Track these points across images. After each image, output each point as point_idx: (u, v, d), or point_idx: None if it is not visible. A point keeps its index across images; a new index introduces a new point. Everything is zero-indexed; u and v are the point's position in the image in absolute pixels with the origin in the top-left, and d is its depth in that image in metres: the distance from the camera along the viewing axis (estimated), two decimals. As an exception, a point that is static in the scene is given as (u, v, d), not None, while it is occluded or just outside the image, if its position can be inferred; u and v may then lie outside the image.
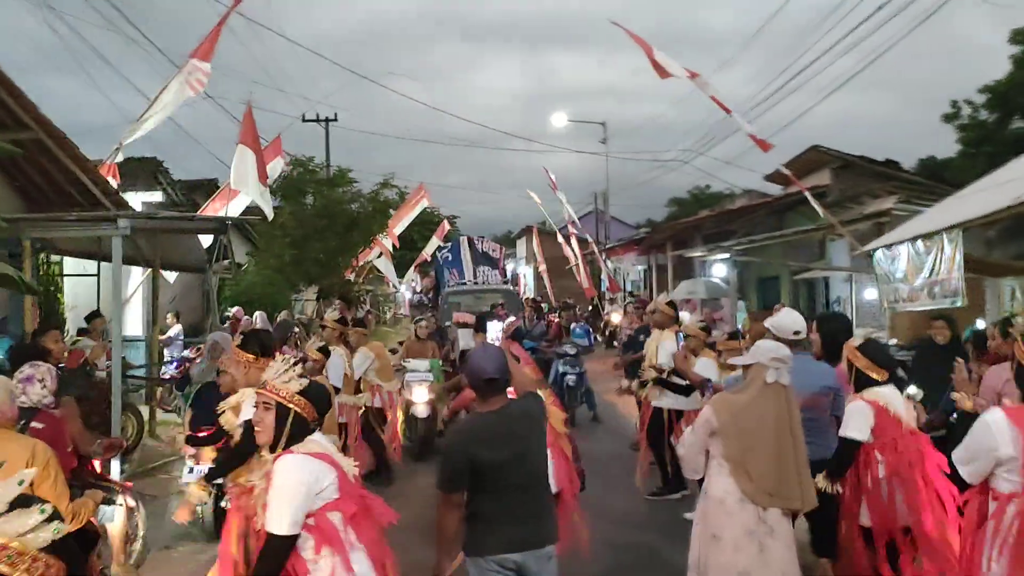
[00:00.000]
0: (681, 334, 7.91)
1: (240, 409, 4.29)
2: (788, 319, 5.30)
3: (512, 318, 8.60)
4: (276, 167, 13.29)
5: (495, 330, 5.96)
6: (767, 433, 4.00)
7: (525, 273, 47.82)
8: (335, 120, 31.23)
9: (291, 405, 3.07)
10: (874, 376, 4.39)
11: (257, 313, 13.93)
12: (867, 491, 4.31)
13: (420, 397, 9.66)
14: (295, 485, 2.90)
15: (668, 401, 7.73)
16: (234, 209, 12.30)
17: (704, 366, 7.18)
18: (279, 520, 2.87)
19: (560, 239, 26.37)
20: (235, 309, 14.22)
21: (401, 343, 11.82)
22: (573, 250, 23.64)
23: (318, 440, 3.10)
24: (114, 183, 11.64)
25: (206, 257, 10.76)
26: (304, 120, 30.67)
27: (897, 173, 17.02)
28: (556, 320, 12.29)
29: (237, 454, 4.09)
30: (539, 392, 3.93)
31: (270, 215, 11.08)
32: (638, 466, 8.12)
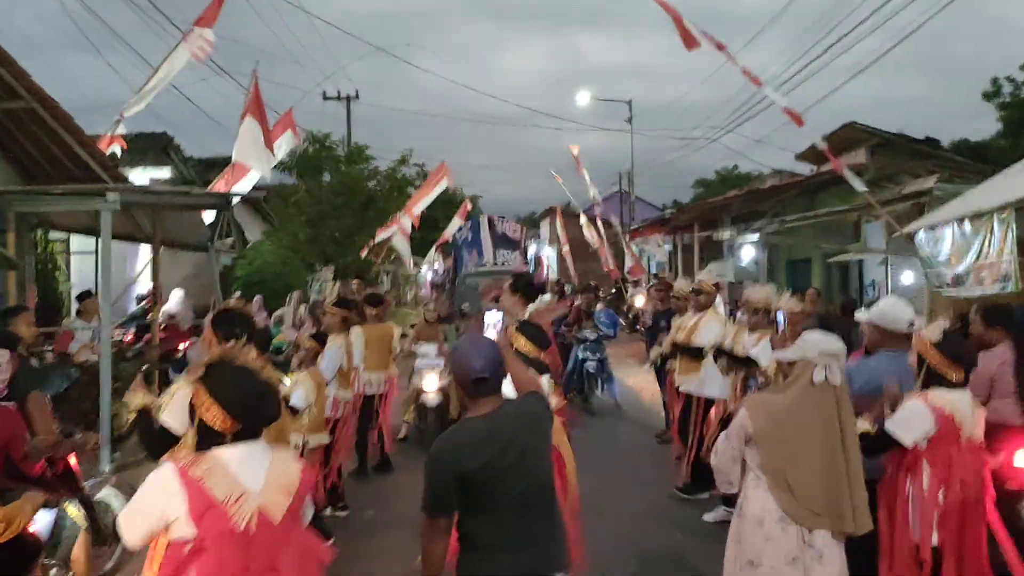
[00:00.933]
0: (740, 313, 7.37)
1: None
2: (897, 308, 4.51)
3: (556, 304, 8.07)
4: (287, 142, 12.76)
5: (493, 320, 5.37)
6: (813, 442, 3.40)
7: (548, 255, 47.24)
8: (356, 98, 30.59)
9: (199, 408, 2.55)
10: (949, 375, 3.79)
11: (256, 297, 13.43)
12: (914, 503, 3.73)
13: (430, 384, 9.14)
14: (142, 500, 2.46)
15: (693, 385, 7.18)
16: (243, 186, 11.83)
17: (764, 348, 6.19)
18: (125, 530, 2.50)
19: (583, 219, 25.73)
20: (235, 295, 13.74)
21: (413, 326, 11.29)
22: (598, 230, 22.94)
23: (225, 459, 2.49)
24: (119, 150, 11.21)
25: (209, 235, 10.24)
26: (325, 98, 30.07)
27: (937, 152, 16.19)
28: (576, 303, 11.60)
29: (145, 444, 3.62)
30: (542, 392, 3.33)
31: (266, 173, 10.56)
32: (675, 462, 7.70)
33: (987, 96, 21.64)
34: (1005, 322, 5.38)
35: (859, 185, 11.77)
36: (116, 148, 11.20)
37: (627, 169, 35.31)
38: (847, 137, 17.03)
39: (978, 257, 9.17)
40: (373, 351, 7.77)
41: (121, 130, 10.99)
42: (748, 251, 16.77)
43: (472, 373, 2.92)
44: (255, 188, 11.86)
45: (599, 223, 23.38)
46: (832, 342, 3.52)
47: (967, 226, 9.28)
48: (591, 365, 11.11)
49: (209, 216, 10.71)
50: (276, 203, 19.55)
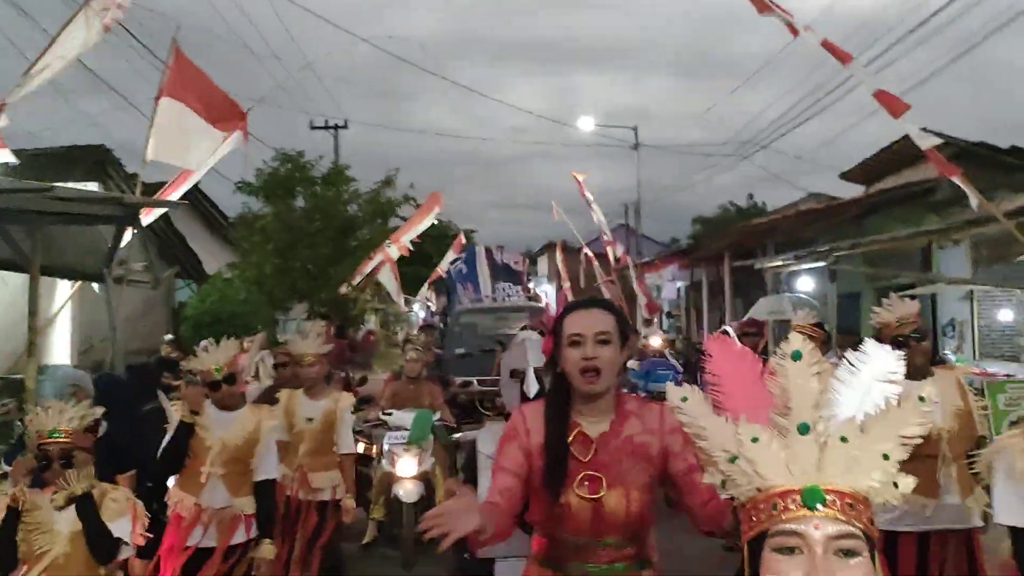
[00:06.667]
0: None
1: None
2: None
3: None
4: (231, 143, 10.11)
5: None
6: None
7: (547, 291, 44.92)
8: (345, 127, 28.14)
9: None
10: None
11: (203, 343, 10.71)
12: None
13: (406, 469, 6.37)
14: None
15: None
16: (174, 195, 9.20)
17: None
18: None
19: (587, 252, 23.27)
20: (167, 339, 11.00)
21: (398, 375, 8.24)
22: (615, 258, 20.30)
23: None
24: (7, 157, 8.57)
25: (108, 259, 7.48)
26: (312, 127, 27.65)
27: (1028, 163, 13.60)
28: None
29: None
30: None
31: (191, 166, 7.83)
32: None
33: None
34: None
35: (973, 198, 9.12)
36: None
37: (632, 201, 32.88)
38: (909, 149, 14.47)
39: None
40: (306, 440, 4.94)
41: (2, 123, 8.32)
42: (806, 283, 14.07)
43: None
44: (221, 214, 9.36)
45: (609, 253, 20.80)
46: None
47: None
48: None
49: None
50: (242, 230, 16.92)
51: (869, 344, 1.42)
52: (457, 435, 7.03)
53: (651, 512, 2.38)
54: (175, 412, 4.11)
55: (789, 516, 1.26)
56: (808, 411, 1.34)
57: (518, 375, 4.61)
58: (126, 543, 3.08)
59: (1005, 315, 11.51)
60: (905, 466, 3.80)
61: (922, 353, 3.66)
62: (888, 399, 1.36)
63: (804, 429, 1.30)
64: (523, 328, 5.53)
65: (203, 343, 11.56)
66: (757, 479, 1.30)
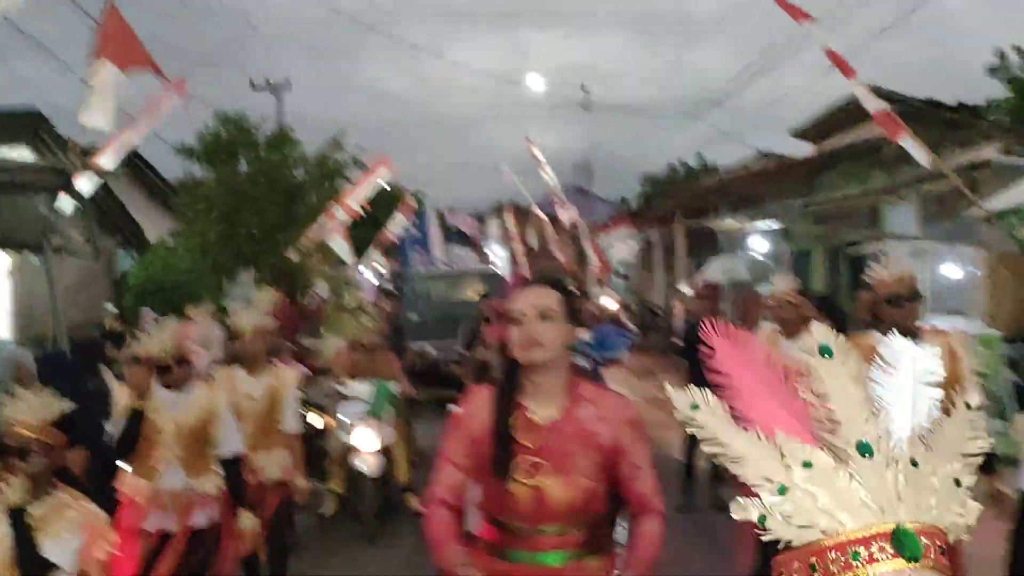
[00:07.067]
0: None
1: None
2: None
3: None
4: (170, 105, 9.70)
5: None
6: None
7: (498, 254, 44.72)
8: (288, 87, 27.30)
9: None
10: None
11: (145, 309, 10.38)
12: None
13: (365, 442, 6.23)
14: None
15: None
16: (107, 161, 8.78)
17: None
18: None
19: (539, 214, 23.17)
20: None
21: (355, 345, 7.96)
22: (558, 224, 20.26)
23: None
24: None
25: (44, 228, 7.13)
26: (252, 86, 26.82)
27: (976, 120, 13.77)
28: None
29: None
30: None
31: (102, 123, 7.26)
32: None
33: (992, 71, 19.49)
34: None
35: (922, 156, 9.17)
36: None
37: (583, 161, 32.78)
38: (858, 106, 14.57)
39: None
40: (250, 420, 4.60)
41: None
42: (758, 243, 14.13)
43: None
44: (162, 180, 8.96)
45: (561, 215, 20.74)
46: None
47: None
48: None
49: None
50: (184, 197, 16.38)
51: (895, 339, 1.13)
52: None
53: (604, 501, 2.31)
54: (120, 392, 3.90)
55: (879, 570, 0.95)
56: (861, 425, 1.03)
57: None
58: (59, 568, 2.72)
59: (951, 270, 11.70)
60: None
61: (913, 315, 3.54)
62: (936, 408, 1.07)
63: (866, 449, 1.00)
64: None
65: (146, 312, 11.25)
66: (823, 519, 0.98)
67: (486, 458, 2.27)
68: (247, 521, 3.95)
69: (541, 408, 2.29)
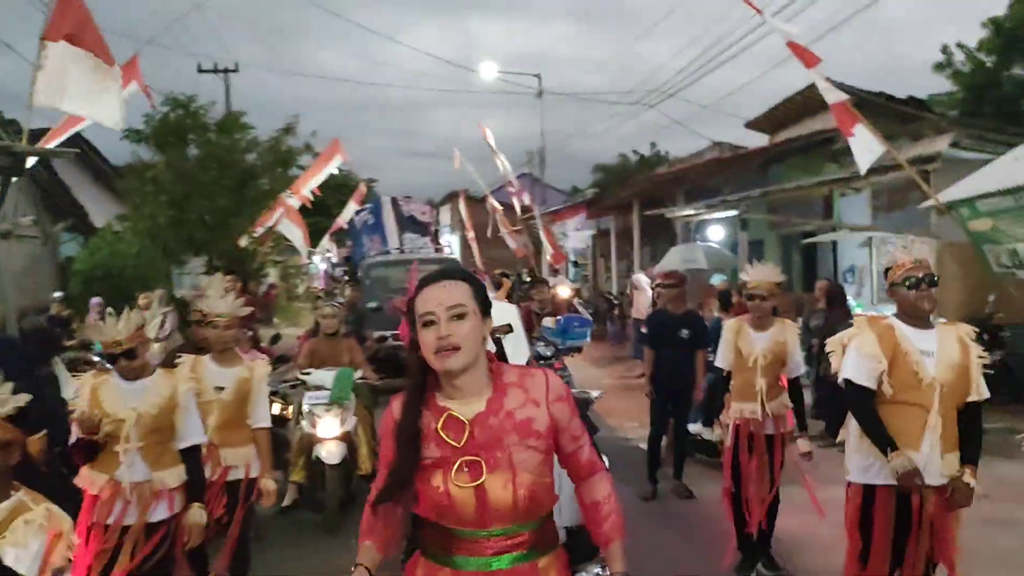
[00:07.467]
0: None
1: None
2: None
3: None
4: (128, 92, 9.44)
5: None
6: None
7: (450, 242, 44.48)
8: (235, 71, 26.78)
9: None
10: None
11: (94, 300, 10.10)
12: None
13: (328, 430, 6.13)
14: None
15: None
16: (56, 143, 8.51)
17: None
18: None
19: (492, 202, 23.03)
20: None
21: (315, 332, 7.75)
22: (512, 211, 20.19)
23: None
24: None
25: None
26: (200, 70, 26.26)
27: (923, 114, 14.04)
28: (527, 306, 8.26)
29: None
30: None
31: (117, 123, 7.08)
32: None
33: (938, 67, 19.89)
34: None
35: (880, 145, 9.30)
36: None
37: (538, 148, 32.68)
38: (812, 99, 14.76)
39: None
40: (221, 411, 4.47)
41: None
42: (717, 232, 14.23)
43: None
44: (108, 163, 8.65)
45: (516, 203, 20.66)
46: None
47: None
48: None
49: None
50: (132, 181, 15.98)
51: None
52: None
53: (549, 494, 2.18)
54: (70, 381, 3.74)
55: None
56: None
57: (502, 331, 4.35)
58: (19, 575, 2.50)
59: (901, 261, 11.93)
60: (892, 412, 3.65)
61: (930, 299, 3.46)
62: None
63: None
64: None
65: (95, 300, 10.93)
66: None
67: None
68: (196, 515, 3.79)
69: (464, 404, 2.15)
